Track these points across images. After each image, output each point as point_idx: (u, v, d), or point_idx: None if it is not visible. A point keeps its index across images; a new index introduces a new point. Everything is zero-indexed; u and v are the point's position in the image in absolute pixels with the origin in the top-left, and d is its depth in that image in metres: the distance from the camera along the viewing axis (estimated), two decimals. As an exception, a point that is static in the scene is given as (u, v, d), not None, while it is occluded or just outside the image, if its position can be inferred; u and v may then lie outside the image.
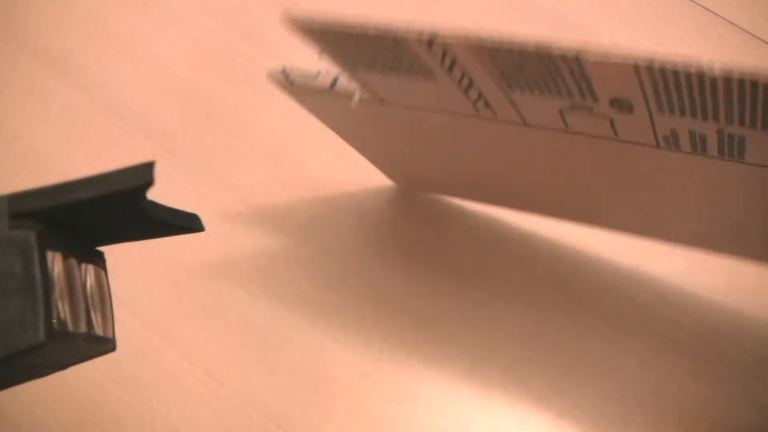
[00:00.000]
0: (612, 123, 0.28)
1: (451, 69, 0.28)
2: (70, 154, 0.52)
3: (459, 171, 0.43)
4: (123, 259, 0.47)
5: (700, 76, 0.22)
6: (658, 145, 0.29)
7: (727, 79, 0.21)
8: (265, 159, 0.51)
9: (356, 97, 0.34)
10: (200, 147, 0.51)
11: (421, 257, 0.46)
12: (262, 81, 0.57)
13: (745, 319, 0.45)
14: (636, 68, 0.23)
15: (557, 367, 0.43)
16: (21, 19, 0.57)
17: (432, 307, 0.45)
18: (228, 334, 0.45)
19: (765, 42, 0.55)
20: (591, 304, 0.45)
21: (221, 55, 0.55)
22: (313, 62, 0.57)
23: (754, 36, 0.55)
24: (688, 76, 0.22)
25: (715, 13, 0.57)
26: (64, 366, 0.28)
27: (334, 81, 0.35)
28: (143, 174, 0.22)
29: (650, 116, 0.26)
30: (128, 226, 0.26)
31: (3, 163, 0.52)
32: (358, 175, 0.49)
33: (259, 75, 0.56)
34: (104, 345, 0.27)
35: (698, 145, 0.28)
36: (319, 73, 0.35)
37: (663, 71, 0.22)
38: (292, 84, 0.37)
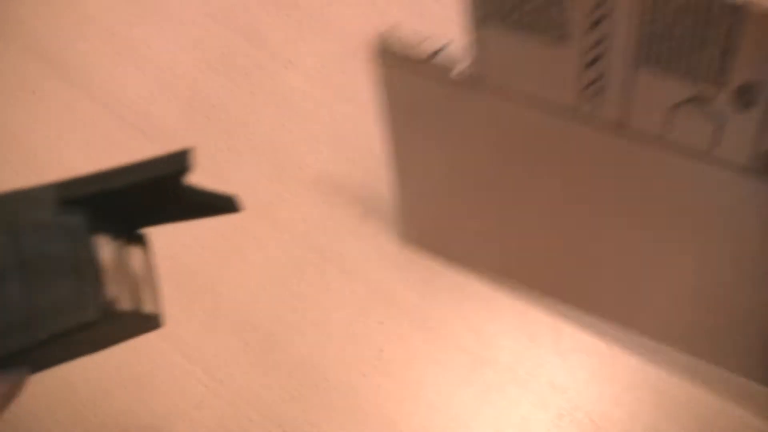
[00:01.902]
0: (717, 129, 0.27)
1: (594, 25, 0.27)
2: (70, 154, 0.52)
3: (505, 223, 0.41)
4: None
5: None
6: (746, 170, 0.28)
7: None
8: (265, 159, 0.51)
9: (460, 66, 0.33)
10: (200, 147, 0.51)
11: (421, 257, 0.46)
12: (262, 81, 0.57)
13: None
14: None
15: (557, 367, 0.43)
16: (21, 21, 0.57)
17: (432, 307, 0.45)
18: (228, 334, 0.45)
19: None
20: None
21: (221, 55, 0.55)
22: (313, 62, 0.57)
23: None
24: None
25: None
26: (113, 342, 0.29)
27: (439, 50, 0.34)
28: (181, 160, 0.23)
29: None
30: (167, 209, 0.28)
31: (3, 163, 0.52)
32: (358, 174, 0.49)
33: (260, 75, 0.56)
34: (152, 321, 0.28)
35: None
36: (425, 40, 0.35)
37: None
38: (393, 52, 0.35)
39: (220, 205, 0.28)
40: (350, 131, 0.51)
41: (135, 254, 0.28)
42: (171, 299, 0.48)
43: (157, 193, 0.25)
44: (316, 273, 0.46)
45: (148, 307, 0.27)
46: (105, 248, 0.25)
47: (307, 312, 0.45)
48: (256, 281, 0.46)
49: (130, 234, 0.28)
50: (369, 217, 0.48)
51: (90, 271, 0.23)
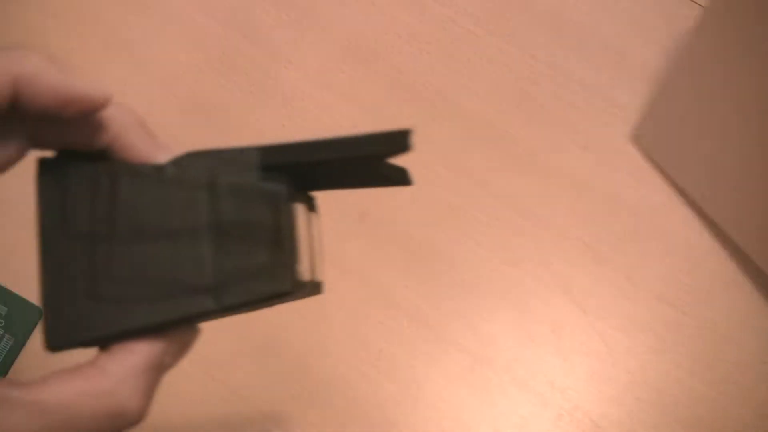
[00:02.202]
0: None
1: None
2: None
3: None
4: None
5: None
6: None
7: None
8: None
9: None
10: (200, 147, 0.51)
11: (421, 257, 0.46)
12: (262, 81, 0.57)
13: (745, 318, 0.45)
14: None
15: (557, 367, 0.43)
16: (21, 20, 0.57)
17: (432, 307, 0.45)
18: (228, 335, 0.45)
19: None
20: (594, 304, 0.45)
21: (221, 55, 0.55)
22: (313, 62, 0.57)
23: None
24: None
25: (715, 13, 0.57)
26: (261, 308, 0.28)
27: None
28: (401, 141, 0.22)
29: None
30: (349, 177, 0.27)
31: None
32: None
33: (259, 75, 0.56)
34: (318, 289, 0.28)
35: None
36: None
37: None
38: None
39: (396, 177, 0.27)
40: (350, 131, 0.51)
41: (316, 222, 0.27)
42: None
43: (354, 164, 0.24)
44: (316, 273, 0.46)
45: (318, 276, 0.27)
46: (300, 217, 0.24)
47: (307, 312, 0.45)
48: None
49: (309, 199, 0.27)
50: (369, 217, 0.48)
51: (289, 242, 0.23)
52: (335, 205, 0.49)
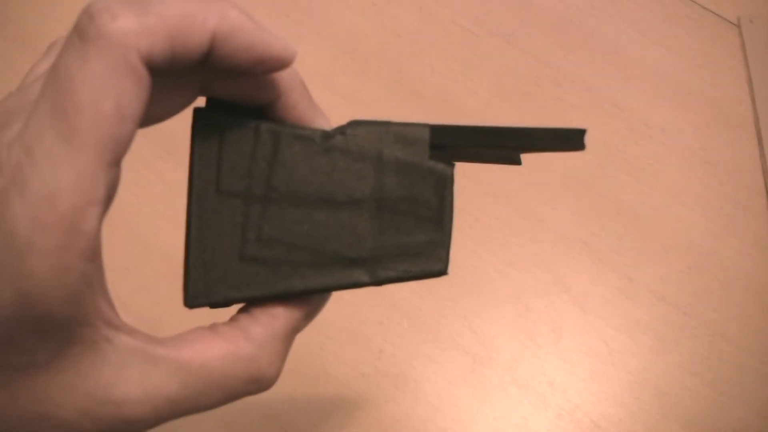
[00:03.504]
0: None
1: None
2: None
3: None
4: (122, 259, 0.47)
5: None
6: None
7: None
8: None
9: None
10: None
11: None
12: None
13: (744, 318, 0.45)
14: None
15: (557, 367, 0.43)
16: (21, 21, 0.57)
17: (432, 307, 0.45)
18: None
19: (765, 42, 0.55)
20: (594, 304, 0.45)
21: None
22: (313, 62, 0.57)
23: (754, 36, 0.55)
24: None
25: (716, 13, 0.57)
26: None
27: None
28: (578, 141, 0.22)
29: None
30: (490, 157, 0.26)
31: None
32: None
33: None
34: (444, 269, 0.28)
35: None
36: None
37: None
38: None
39: (509, 159, 0.26)
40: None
41: None
42: (171, 299, 0.48)
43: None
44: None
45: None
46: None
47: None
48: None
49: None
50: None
51: (448, 223, 0.23)
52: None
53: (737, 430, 0.41)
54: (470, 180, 0.49)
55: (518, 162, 0.25)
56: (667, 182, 0.49)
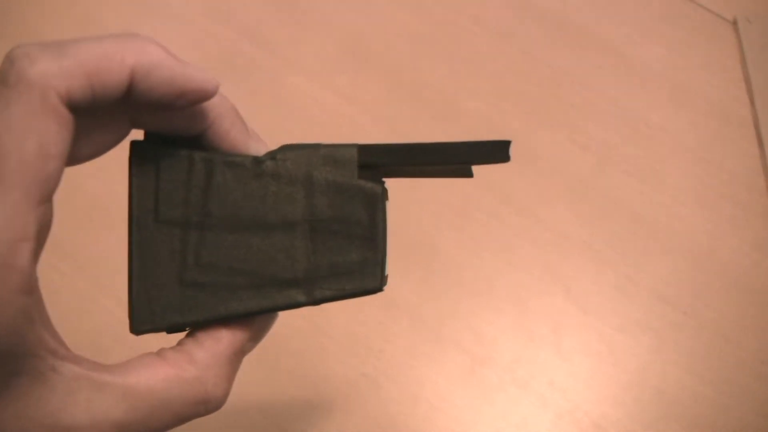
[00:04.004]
0: None
1: None
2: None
3: None
4: (122, 259, 0.47)
5: None
6: None
7: None
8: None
9: None
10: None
11: (421, 257, 0.46)
12: (262, 81, 0.57)
13: (745, 318, 0.45)
14: None
15: (557, 367, 0.43)
16: (19, 19, 0.57)
17: (432, 307, 0.45)
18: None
19: (765, 42, 0.55)
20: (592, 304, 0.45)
21: (221, 55, 0.55)
22: (313, 62, 0.57)
23: (754, 36, 0.55)
24: None
25: (716, 13, 0.57)
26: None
27: None
28: (502, 153, 0.23)
29: None
30: (428, 172, 0.26)
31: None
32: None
33: (259, 75, 0.56)
34: (386, 281, 0.28)
35: None
36: None
37: None
38: None
39: (459, 172, 0.26)
40: (350, 131, 0.51)
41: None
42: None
43: (445, 166, 0.24)
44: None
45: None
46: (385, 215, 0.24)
47: (307, 312, 0.45)
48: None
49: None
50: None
51: (381, 240, 0.23)
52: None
53: (737, 430, 0.41)
54: (470, 180, 0.49)
55: (470, 175, 0.26)
56: (667, 182, 0.49)
